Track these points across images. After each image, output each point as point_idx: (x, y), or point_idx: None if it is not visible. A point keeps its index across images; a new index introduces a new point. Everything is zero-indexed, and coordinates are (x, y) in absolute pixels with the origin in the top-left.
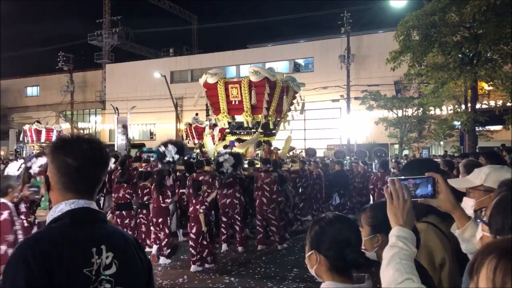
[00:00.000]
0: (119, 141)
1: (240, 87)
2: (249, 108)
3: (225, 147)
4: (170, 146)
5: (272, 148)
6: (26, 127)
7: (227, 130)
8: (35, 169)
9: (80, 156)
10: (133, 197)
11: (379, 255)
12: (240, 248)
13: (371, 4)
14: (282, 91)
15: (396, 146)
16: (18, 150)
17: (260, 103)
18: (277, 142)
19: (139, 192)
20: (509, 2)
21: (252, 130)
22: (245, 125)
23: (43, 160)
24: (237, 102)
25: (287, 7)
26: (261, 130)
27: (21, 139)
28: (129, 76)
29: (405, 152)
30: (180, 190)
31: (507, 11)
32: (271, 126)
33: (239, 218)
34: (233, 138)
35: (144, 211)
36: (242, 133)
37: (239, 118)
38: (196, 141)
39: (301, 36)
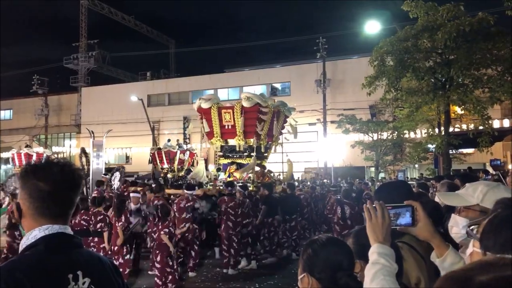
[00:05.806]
0: (94, 165)
1: (233, 112)
2: (242, 132)
3: (218, 170)
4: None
5: (265, 171)
6: (14, 151)
7: (220, 153)
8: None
9: (52, 179)
10: (89, 223)
11: None
12: (191, 274)
13: (346, 30)
14: (273, 116)
15: (372, 169)
16: None
17: (252, 128)
18: (273, 165)
19: (92, 218)
20: (478, 29)
21: (245, 154)
22: (237, 149)
23: None
24: (229, 127)
25: (264, 32)
26: (258, 155)
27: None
28: (105, 99)
29: (381, 175)
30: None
31: (476, 38)
32: (263, 150)
33: (197, 242)
34: (226, 161)
35: (96, 239)
36: (235, 156)
37: (232, 141)
38: (166, 166)
39: (278, 61)
